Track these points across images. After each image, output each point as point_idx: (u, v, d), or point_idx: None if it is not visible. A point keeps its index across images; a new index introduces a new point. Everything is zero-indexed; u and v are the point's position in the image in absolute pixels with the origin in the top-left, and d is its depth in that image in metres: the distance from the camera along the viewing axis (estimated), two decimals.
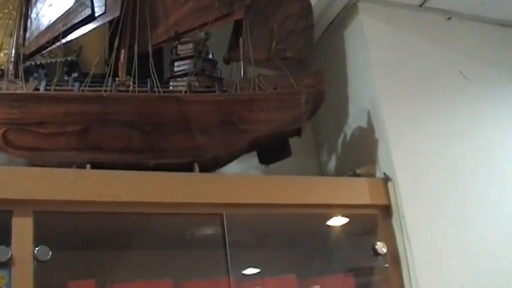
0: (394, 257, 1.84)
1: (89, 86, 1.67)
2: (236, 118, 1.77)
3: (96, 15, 1.76)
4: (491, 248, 1.92)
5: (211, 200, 1.69)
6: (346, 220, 1.95)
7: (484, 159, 2.04)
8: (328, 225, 1.95)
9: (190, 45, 1.84)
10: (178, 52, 1.84)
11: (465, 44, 2.20)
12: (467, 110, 2.09)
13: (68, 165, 1.64)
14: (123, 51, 1.77)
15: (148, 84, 1.72)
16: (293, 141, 1.90)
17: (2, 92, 1.64)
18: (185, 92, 1.74)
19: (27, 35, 1.77)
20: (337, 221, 1.95)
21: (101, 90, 1.67)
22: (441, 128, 2.01)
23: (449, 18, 2.20)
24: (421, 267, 1.79)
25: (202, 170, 1.74)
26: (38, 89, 1.66)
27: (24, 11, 1.79)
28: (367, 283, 1.91)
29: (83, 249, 1.76)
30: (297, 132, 1.88)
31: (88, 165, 1.65)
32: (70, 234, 1.67)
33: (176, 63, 1.83)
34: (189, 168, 1.73)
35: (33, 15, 1.78)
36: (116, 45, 1.76)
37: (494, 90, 2.17)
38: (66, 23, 1.75)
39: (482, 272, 1.87)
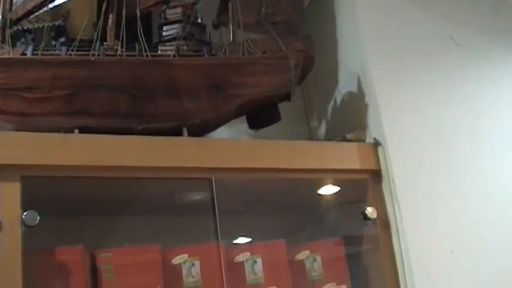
0: (384, 222, 1.85)
1: (76, 51, 1.65)
2: (225, 82, 1.76)
3: None
4: (482, 214, 1.93)
5: (200, 165, 1.69)
6: (337, 187, 1.95)
7: (476, 124, 2.04)
8: (318, 191, 1.95)
9: (179, 10, 1.83)
10: (167, 16, 1.83)
11: (456, 12, 2.18)
12: (458, 75, 2.08)
13: (56, 130, 1.63)
14: (111, 15, 1.75)
15: (137, 49, 1.70)
16: (283, 107, 1.89)
17: None
18: (173, 56, 1.73)
19: (14, 0, 1.75)
20: (327, 187, 1.95)
21: (88, 55, 1.65)
22: (432, 93, 2.01)
23: None
24: (410, 232, 1.80)
25: (190, 135, 1.73)
26: (25, 54, 1.64)
27: None
28: (357, 248, 1.92)
29: (71, 215, 1.77)
30: (287, 97, 1.88)
31: (76, 130, 1.64)
32: (58, 199, 1.68)
33: (165, 28, 1.82)
34: (177, 133, 1.72)
35: None
36: (103, 9, 1.73)
37: (484, 56, 2.16)
38: None
39: (472, 238, 1.88)
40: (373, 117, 1.92)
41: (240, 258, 1.80)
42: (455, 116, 2.02)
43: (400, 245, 1.82)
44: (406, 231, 1.80)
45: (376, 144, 1.89)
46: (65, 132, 1.65)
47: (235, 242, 1.84)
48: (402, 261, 1.81)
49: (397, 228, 1.82)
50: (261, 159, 1.75)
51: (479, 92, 2.10)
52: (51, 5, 1.72)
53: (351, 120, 2.01)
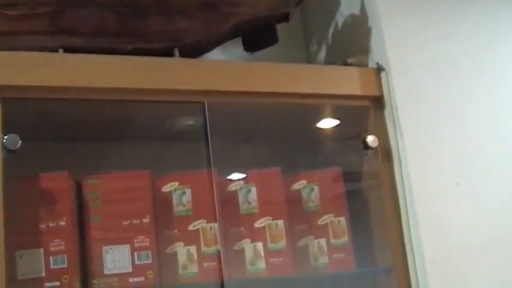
0: (385, 151, 1.82)
1: None
2: (219, 0, 1.72)
3: None
4: (489, 144, 1.91)
5: (193, 87, 1.66)
6: (336, 114, 1.93)
7: (484, 52, 2.00)
8: (316, 118, 1.93)
9: None
10: None
11: None
12: (473, 3, 2.03)
13: (40, 49, 1.58)
14: None
15: None
16: (281, 29, 1.85)
17: None
18: None
19: None
20: (326, 113, 1.92)
21: None
22: (443, 18, 1.97)
23: None
24: (413, 162, 1.77)
25: (182, 56, 1.70)
26: None
27: None
28: (356, 179, 1.90)
29: (55, 140, 1.76)
30: (285, 18, 1.83)
31: (61, 50, 1.60)
32: (42, 123, 1.66)
33: None
34: (168, 54, 1.69)
35: None
36: None
37: None
38: None
39: (478, 169, 1.86)
40: (376, 41, 1.87)
41: (233, 187, 1.79)
42: (464, 44, 1.97)
43: (402, 176, 1.79)
44: (409, 162, 1.77)
45: (379, 69, 1.85)
46: (49, 51, 1.60)
47: (228, 169, 1.81)
48: (404, 193, 1.78)
49: (399, 158, 1.80)
50: (257, 83, 1.72)
51: (487, 23, 2.05)
52: None
53: (352, 44, 1.97)
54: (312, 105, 1.84)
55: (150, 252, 1.63)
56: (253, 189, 1.79)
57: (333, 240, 1.81)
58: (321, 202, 1.84)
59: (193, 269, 1.68)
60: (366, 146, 1.81)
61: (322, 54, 2.14)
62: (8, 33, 1.59)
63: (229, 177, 1.82)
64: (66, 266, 1.54)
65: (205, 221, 1.70)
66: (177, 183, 1.72)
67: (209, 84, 1.68)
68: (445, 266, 1.74)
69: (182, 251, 1.69)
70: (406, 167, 1.78)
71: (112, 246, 1.61)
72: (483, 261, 1.78)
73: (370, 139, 1.81)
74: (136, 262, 1.62)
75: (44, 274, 1.53)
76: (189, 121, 1.83)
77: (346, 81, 1.83)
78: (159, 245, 1.66)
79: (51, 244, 1.55)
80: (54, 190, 1.59)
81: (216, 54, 1.86)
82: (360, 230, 1.85)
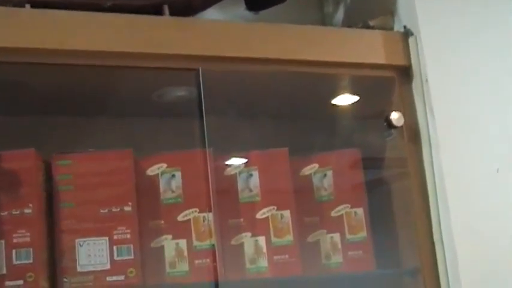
0: (412, 131, 1.71)
1: None
2: None
3: None
4: None
5: (185, 52, 1.56)
6: (355, 87, 1.83)
7: None
8: (330, 90, 1.83)
9: None
10: None
11: None
12: None
13: (2, 3, 1.46)
14: None
15: None
16: None
17: None
18: None
19: None
20: (343, 86, 1.83)
21: None
22: None
23: None
24: (445, 145, 1.65)
25: (173, 15, 1.59)
26: None
27: None
28: (378, 162, 1.82)
29: (21, 112, 1.67)
30: None
31: (27, 5, 1.48)
32: (4, 92, 1.55)
33: None
34: (156, 12, 1.58)
35: None
36: None
37: None
38: None
39: None
40: (404, 0, 1.77)
41: (231, 170, 1.72)
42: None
43: (431, 161, 1.67)
44: (440, 144, 1.65)
45: (407, 33, 1.73)
46: (14, 6, 1.48)
47: (226, 150, 1.72)
48: (434, 182, 1.66)
49: (428, 139, 1.68)
50: (261, 48, 1.62)
51: None
52: None
53: (375, 3, 1.87)
54: (326, 76, 1.74)
55: (132, 246, 1.53)
56: (255, 174, 1.70)
57: (348, 236, 1.73)
58: (335, 190, 1.76)
59: (183, 267, 1.59)
60: (390, 125, 1.70)
61: (340, 15, 2.05)
62: None
63: (226, 159, 1.74)
64: (31, 261, 1.45)
65: (198, 210, 1.61)
66: (165, 165, 1.64)
67: (204, 48, 1.58)
68: (480, 268, 1.64)
69: (170, 245, 1.59)
70: (437, 151, 1.67)
71: (87, 239, 1.51)
72: None
73: (395, 116, 1.69)
74: (116, 258, 1.52)
75: (5, 271, 1.43)
76: (181, 92, 1.74)
77: (367, 48, 1.73)
78: (143, 238, 1.57)
79: (14, 235, 1.45)
80: (18, 171, 1.49)
81: (212, 14, 1.77)
82: (381, 224, 1.77)
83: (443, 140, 1.66)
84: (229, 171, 1.71)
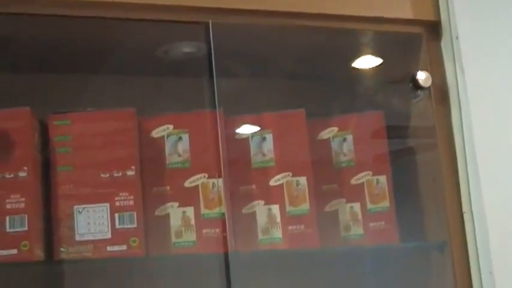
0: (441, 92, 1.64)
1: None
2: None
3: None
4: None
5: (193, 3, 1.49)
6: (378, 44, 1.76)
7: None
8: (351, 46, 1.76)
9: None
10: None
11: None
12: None
13: None
14: None
15: None
16: None
17: None
18: None
19: None
20: (365, 42, 1.77)
21: None
22: None
23: None
24: (477, 108, 1.57)
25: None
26: None
27: None
28: (403, 126, 1.75)
29: (15, 69, 1.61)
30: None
31: None
32: None
33: None
34: None
35: None
36: None
37: None
38: None
39: None
40: None
41: (243, 133, 1.67)
42: None
43: (461, 125, 1.59)
44: (472, 107, 1.57)
45: None
46: None
47: (237, 111, 1.66)
48: (464, 148, 1.60)
49: (458, 102, 1.61)
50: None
51: None
52: None
53: None
54: (346, 31, 1.68)
55: (134, 214, 1.47)
56: (269, 137, 1.65)
57: (370, 206, 1.67)
58: (355, 156, 1.70)
59: (190, 236, 1.53)
60: (416, 86, 1.64)
61: None
62: None
63: (238, 121, 1.68)
64: (26, 229, 1.39)
65: (207, 176, 1.56)
66: (171, 127, 1.58)
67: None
68: None
69: (176, 213, 1.54)
70: (468, 114, 1.59)
71: (86, 205, 1.46)
72: None
73: (422, 77, 1.63)
74: (117, 226, 1.47)
75: None
76: (189, 48, 1.68)
77: (392, 1, 1.66)
78: (147, 205, 1.52)
79: (7, 201, 1.40)
80: (12, 131, 1.44)
81: None
82: (406, 193, 1.70)
83: (475, 102, 1.59)
84: (240, 134, 1.67)
